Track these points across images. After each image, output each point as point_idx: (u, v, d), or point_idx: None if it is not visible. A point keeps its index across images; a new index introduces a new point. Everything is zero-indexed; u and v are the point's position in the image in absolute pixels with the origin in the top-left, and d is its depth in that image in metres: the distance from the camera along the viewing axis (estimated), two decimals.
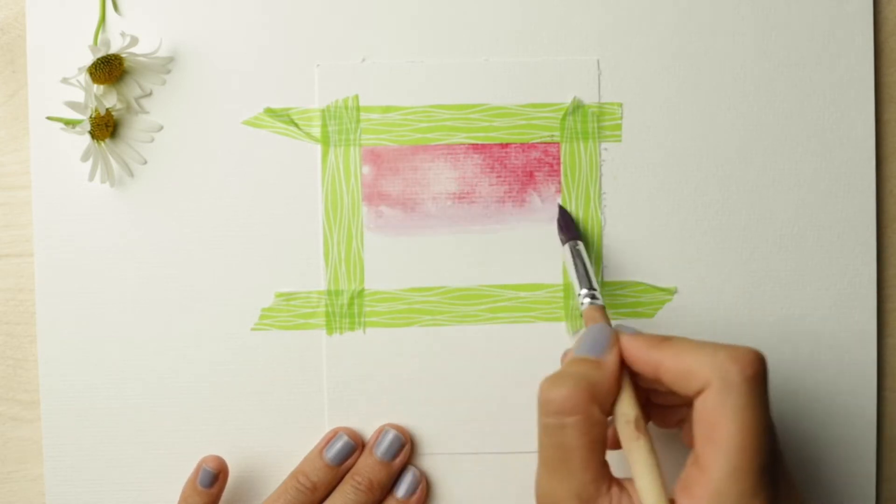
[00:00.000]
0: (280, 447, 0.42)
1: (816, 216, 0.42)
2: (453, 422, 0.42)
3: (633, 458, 0.31)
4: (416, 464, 0.42)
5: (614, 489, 0.31)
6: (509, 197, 0.42)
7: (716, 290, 0.42)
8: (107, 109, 0.41)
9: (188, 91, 0.42)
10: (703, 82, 0.42)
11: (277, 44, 0.42)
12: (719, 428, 0.30)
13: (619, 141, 0.42)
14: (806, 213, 0.42)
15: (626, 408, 0.32)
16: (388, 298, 0.42)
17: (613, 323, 0.36)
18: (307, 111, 0.42)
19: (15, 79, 0.43)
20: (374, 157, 0.42)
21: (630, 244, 0.42)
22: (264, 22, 0.42)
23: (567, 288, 0.42)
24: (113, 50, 0.39)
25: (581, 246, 0.40)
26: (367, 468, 0.41)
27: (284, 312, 0.42)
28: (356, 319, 0.42)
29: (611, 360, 0.33)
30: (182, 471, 0.42)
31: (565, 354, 0.37)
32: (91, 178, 0.40)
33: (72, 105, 0.39)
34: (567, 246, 0.40)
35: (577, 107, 0.42)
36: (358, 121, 0.42)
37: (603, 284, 0.42)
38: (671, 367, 0.31)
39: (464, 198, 0.42)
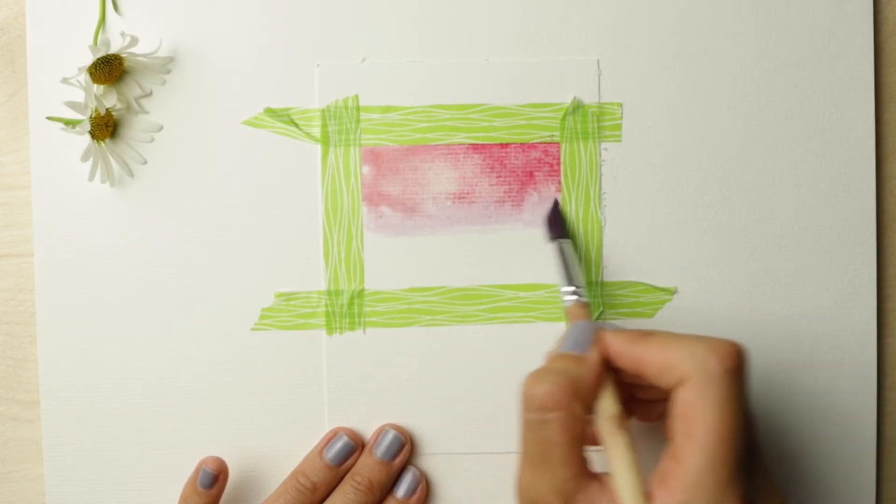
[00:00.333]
0: (280, 447, 0.42)
1: (816, 216, 0.42)
2: (453, 422, 0.42)
3: (613, 453, 0.31)
4: (416, 464, 0.42)
5: (594, 484, 0.31)
6: (509, 197, 0.42)
7: (716, 290, 0.42)
8: (107, 109, 0.41)
9: (188, 91, 0.42)
10: (703, 82, 0.42)
11: (277, 44, 0.42)
12: (697, 420, 0.30)
13: (619, 141, 0.42)
14: (806, 213, 0.42)
15: (607, 404, 0.33)
16: (388, 298, 0.42)
17: (601, 322, 0.36)
18: (307, 111, 0.42)
19: (15, 79, 0.43)
20: (374, 157, 0.42)
21: (630, 244, 0.42)
22: (264, 22, 0.42)
23: None
24: (113, 50, 0.39)
25: (567, 244, 0.40)
26: (367, 468, 0.41)
27: (284, 312, 0.42)
28: (356, 319, 0.42)
29: (593, 357, 0.33)
30: (182, 471, 0.42)
31: (550, 353, 0.37)
32: (91, 178, 0.40)
33: (72, 105, 0.39)
34: (554, 244, 0.40)
35: (577, 107, 0.42)
36: (358, 121, 0.42)
37: (603, 284, 0.42)
38: (652, 361, 0.32)
39: (464, 198, 0.42)
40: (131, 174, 0.42)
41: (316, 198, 0.42)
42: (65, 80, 0.39)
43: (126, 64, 0.41)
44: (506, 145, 0.42)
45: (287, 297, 0.42)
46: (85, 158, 0.40)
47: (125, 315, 0.42)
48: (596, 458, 0.33)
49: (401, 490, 0.41)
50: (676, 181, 0.42)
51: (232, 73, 0.42)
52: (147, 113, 0.42)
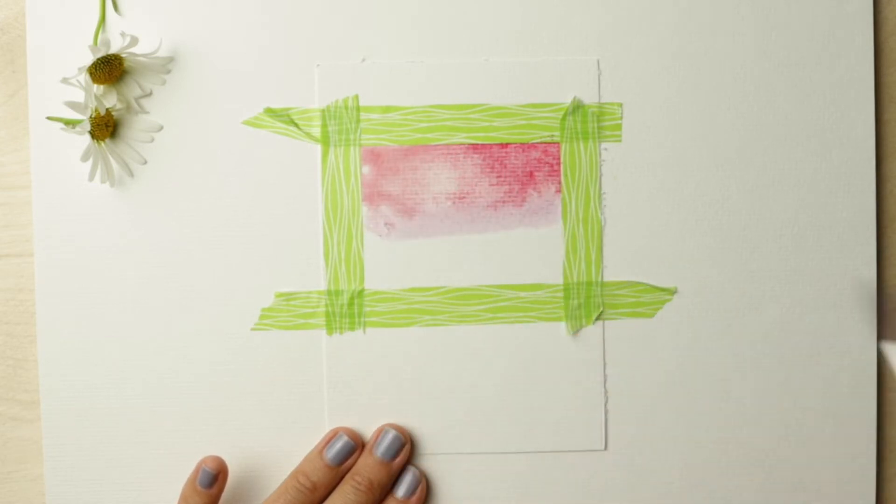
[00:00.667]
0: (280, 447, 0.42)
1: (816, 216, 0.42)
2: (453, 422, 0.42)
3: None
4: (416, 464, 0.42)
5: None
6: (509, 197, 0.42)
7: (716, 290, 0.42)
8: (107, 109, 0.41)
9: (188, 91, 0.42)
10: (703, 82, 0.42)
11: (277, 44, 0.42)
12: None
13: (619, 141, 0.42)
14: (806, 213, 0.42)
15: None
16: (388, 298, 0.42)
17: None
18: (307, 111, 0.42)
19: (15, 79, 0.43)
20: (374, 157, 0.42)
21: (630, 244, 0.42)
22: (264, 22, 0.42)
23: (567, 288, 0.42)
24: (113, 50, 0.39)
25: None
26: (367, 468, 0.41)
27: (284, 312, 0.42)
28: (356, 319, 0.42)
29: None
30: (182, 471, 0.42)
31: None
32: (91, 178, 0.40)
33: (72, 105, 0.39)
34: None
35: (577, 107, 0.42)
36: (358, 121, 0.42)
37: (603, 285, 0.42)
38: None
39: (464, 198, 0.42)
40: (131, 174, 0.42)
41: (316, 198, 0.42)
42: (65, 80, 0.39)
43: (126, 64, 0.41)
44: (506, 145, 0.42)
45: (287, 297, 0.42)
46: (85, 158, 0.40)
47: (125, 315, 0.42)
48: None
49: (401, 490, 0.41)
50: (676, 181, 0.42)
51: (232, 73, 0.42)
52: (147, 113, 0.42)
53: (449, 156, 0.42)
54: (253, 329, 0.42)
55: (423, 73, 0.42)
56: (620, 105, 0.42)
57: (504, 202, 0.42)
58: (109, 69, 0.40)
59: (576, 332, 0.42)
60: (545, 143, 0.42)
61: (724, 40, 0.42)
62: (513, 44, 0.42)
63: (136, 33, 0.41)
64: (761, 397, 0.43)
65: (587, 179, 0.42)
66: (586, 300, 0.42)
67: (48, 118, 0.41)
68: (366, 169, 0.42)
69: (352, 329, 0.42)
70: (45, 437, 0.42)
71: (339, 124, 0.42)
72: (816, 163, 0.42)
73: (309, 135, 0.42)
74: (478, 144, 0.42)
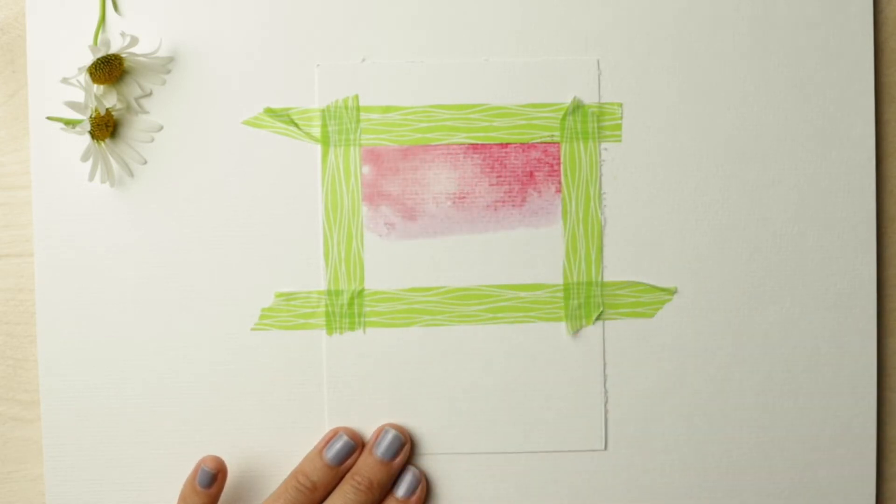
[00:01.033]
0: (280, 447, 0.42)
1: (816, 216, 0.42)
2: (453, 422, 0.42)
3: None
4: (416, 464, 0.42)
5: None
6: (509, 197, 0.42)
7: (716, 290, 0.42)
8: (107, 109, 0.41)
9: (188, 91, 0.42)
10: (703, 82, 0.42)
11: (277, 44, 0.42)
12: None
13: (619, 141, 0.42)
14: (806, 213, 0.42)
15: None
16: (388, 298, 0.42)
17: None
18: (307, 111, 0.42)
19: (15, 79, 0.43)
20: (374, 157, 0.42)
21: (630, 244, 0.42)
22: (264, 22, 0.42)
23: (567, 288, 0.42)
24: (113, 50, 0.39)
25: None
26: (367, 468, 0.41)
27: (284, 312, 0.42)
28: (356, 319, 0.42)
29: None
30: (182, 471, 0.42)
31: None
32: (91, 178, 0.40)
33: (72, 105, 0.39)
34: None
35: (577, 107, 0.42)
36: (358, 121, 0.42)
37: (603, 285, 0.42)
38: None
39: (464, 198, 0.42)
40: (131, 174, 0.42)
41: (316, 198, 0.42)
42: (65, 80, 0.39)
43: (126, 64, 0.41)
44: (506, 145, 0.42)
45: (287, 297, 0.42)
46: (85, 158, 0.40)
47: (125, 315, 0.42)
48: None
49: (401, 490, 0.41)
50: (676, 181, 0.42)
51: (232, 73, 0.42)
52: (147, 113, 0.42)
53: (449, 156, 0.42)
54: (253, 329, 0.42)
55: (423, 73, 0.42)
56: (620, 105, 0.42)
57: (504, 202, 0.42)
58: (109, 69, 0.40)
59: (576, 332, 0.42)
60: (545, 143, 0.42)
61: (724, 40, 0.42)
62: (513, 44, 0.42)
63: (136, 33, 0.41)
64: (761, 397, 0.43)
65: (587, 179, 0.42)
66: (586, 300, 0.42)
67: (48, 118, 0.41)
68: (366, 169, 0.42)
69: (352, 329, 0.42)
70: (45, 437, 0.42)
71: (339, 124, 0.42)
72: (816, 163, 0.42)
73: (309, 135, 0.42)
74: (478, 144, 0.42)
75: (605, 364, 0.42)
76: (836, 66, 0.42)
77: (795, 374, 0.43)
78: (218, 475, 0.40)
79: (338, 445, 0.41)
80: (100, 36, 0.41)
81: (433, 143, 0.42)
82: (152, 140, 0.42)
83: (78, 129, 0.39)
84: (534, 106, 0.42)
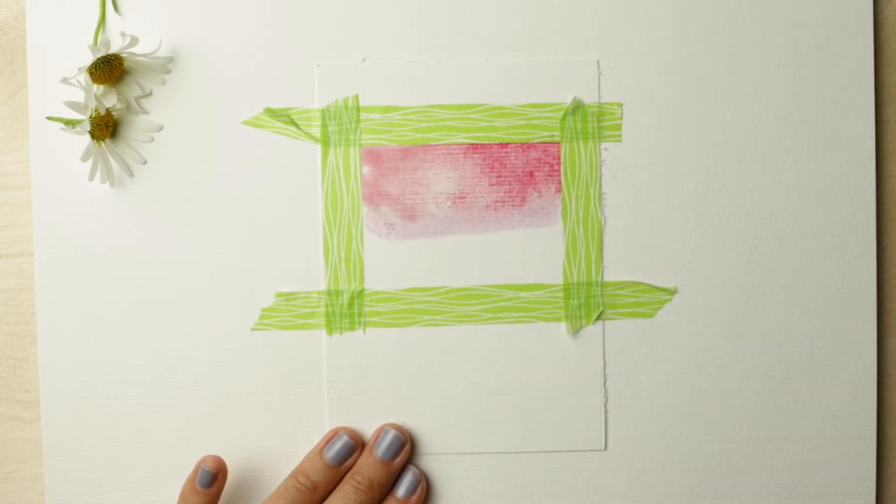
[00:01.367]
0: (280, 447, 0.42)
1: (816, 216, 0.42)
2: (453, 422, 0.42)
3: None
4: (416, 464, 0.42)
5: None
6: (509, 197, 0.42)
7: (716, 290, 0.42)
8: (107, 109, 0.41)
9: (188, 91, 0.42)
10: (703, 82, 0.42)
11: (277, 44, 0.42)
12: None
13: (619, 141, 0.42)
14: (806, 213, 0.42)
15: None
16: (388, 298, 0.42)
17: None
18: (307, 111, 0.42)
19: (15, 79, 0.43)
20: (374, 157, 0.42)
21: (630, 244, 0.42)
22: (264, 22, 0.42)
23: (567, 288, 0.42)
24: (113, 50, 0.39)
25: None
26: (368, 468, 0.41)
27: (284, 312, 0.42)
28: (356, 319, 0.42)
29: None
30: (182, 471, 0.42)
31: None
32: (91, 178, 0.40)
33: (72, 105, 0.39)
34: None
35: (577, 107, 0.42)
36: (358, 121, 0.42)
37: (603, 285, 0.42)
38: None
39: (464, 198, 0.42)
40: (131, 174, 0.42)
41: (316, 198, 0.42)
42: (65, 80, 0.39)
43: (126, 64, 0.41)
44: (506, 145, 0.42)
45: (287, 297, 0.42)
46: (85, 158, 0.40)
47: (125, 315, 0.42)
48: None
49: (401, 490, 0.41)
50: (676, 181, 0.42)
51: (232, 73, 0.42)
52: (147, 113, 0.42)
53: (449, 156, 0.42)
54: (253, 329, 0.42)
55: (423, 73, 0.42)
56: (620, 105, 0.42)
57: (504, 202, 0.42)
58: (109, 69, 0.40)
59: (576, 332, 0.42)
60: (545, 143, 0.42)
61: (724, 40, 0.42)
62: (513, 44, 0.42)
63: (136, 33, 0.41)
64: (761, 397, 0.43)
65: (587, 179, 0.42)
66: (586, 300, 0.42)
67: (48, 118, 0.41)
68: (366, 169, 0.42)
69: (352, 329, 0.42)
70: (45, 437, 0.42)
71: (339, 124, 0.42)
72: (816, 163, 0.42)
73: (309, 135, 0.42)
74: (478, 144, 0.42)
75: (605, 364, 0.42)
76: (836, 66, 0.42)
77: (795, 374, 0.43)
78: (218, 475, 0.40)
79: (338, 445, 0.41)
80: (100, 36, 0.41)
81: (433, 143, 0.42)
82: (152, 140, 0.42)
83: (78, 129, 0.39)
84: (534, 106, 0.42)
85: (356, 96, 0.42)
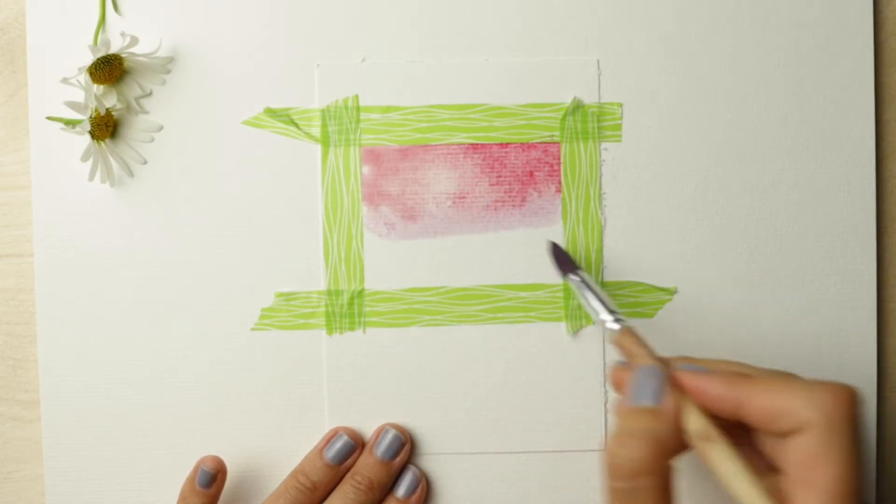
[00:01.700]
0: (280, 447, 0.42)
1: (816, 216, 0.42)
2: (453, 422, 0.42)
3: (717, 468, 0.30)
4: (416, 464, 0.42)
5: None
6: (509, 197, 0.42)
7: (716, 290, 0.42)
8: (107, 109, 0.41)
9: (188, 91, 0.42)
10: (703, 82, 0.42)
11: (277, 44, 0.42)
12: (821, 469, 0.29)
13: (619, 141, 0.42)
14: (806, 213, 0.42)
15: (693, 423, 0.31)
16: (388, 298, 0.42)
17: (672, 362, 0.34)
18: (307, 111, 0.42)
19: (15, 79, 0.43)
20: (374, 157, 0.42)
21: (630, 244, 0.42)
22: (264, 22, 0.42)
23: (567, 288, 0.42)
24: (113, 50, 0.39)
25: (584, 275, 0.40)
26: (368, 468, 0.41)
27: (284, 312, 0.42)
28: (356, 319, 0.42)
29: (671, 409, 0.31)
30: (182, 471, 0.42)
31: (620, 406, 0.33)
32: (91, 178, 0.40)
33: (72, 105, 0.39)
34: (571, 279, 0.40)
35: (577, 107, 0.42)
36: (358, 121, 0.42)
37: (603, 285, 0.42)
38: (762, 406, 0.30)
39: (464, 197, 0.42)
40: (131, 174, 0.42)
41: (316, 198, 0.42)
42: (65, 80, 0.39)
43: (126, 64, 0.41)
44: (506, 145, 0.42)
45: (287, 297, 0.42)
46: (85, 158, 0.40)
47: (125, 315, 0.42)
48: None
49: (401, 490, 0.41)
50: (676, 181, 0.42)
51: (232, 73, 0.42)
52: (147, 113, 0.42)
53: (449, 156, 0.42)
54: (253, 329, 0.42)
55: (423, 73, 0.42)
56: (620, 105, 0.42)
57: (504, 202, 0.42)
58: (109, 69, 0.40)
59: (576, 332, 0.42)
60: (545, 143, 0.42)
61: (724, 40, 0.42)
62: (513, 44, 0.42)
63: (136, 33, 0.41)
64: None
65: (587, 179, 0.42)
66: None
67: (48, 118, 0.41)
68: (366, 169, 0.42)
69: (352, 329, 0.42)
70: (45, 437, 0.42)
71: (339, 124, 0.42)
72: (816, 163, 0.42)
73: (309, 135, 0.42)
74: (478, 144, 0.42)
75: (605, 364, 0.42)
76: (836, 66, 0.42)
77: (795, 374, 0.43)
78: (218, 475, 0.40)
79: (338, 445, 0.41)
80: (100, 36, 0.41)
81: (433, 143, 0.42)
82: (152, 140, 0.42)
83: (78, 129, 0.39)
84: (534, 106, 0.42)
85: (356, 96, 0.42)
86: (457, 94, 0.42)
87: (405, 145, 0.42)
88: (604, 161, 0.42)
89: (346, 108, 0.42)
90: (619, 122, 0.42)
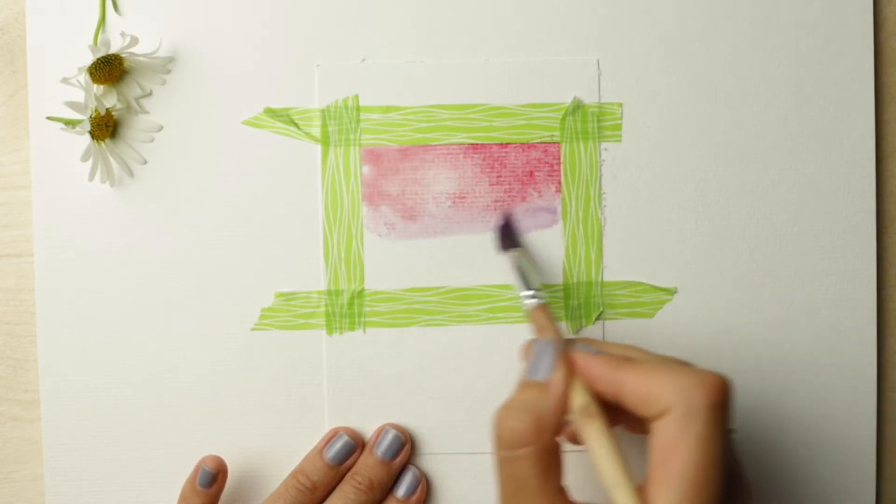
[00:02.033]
0: (280, 447, 0.42)
1: (816, 216, 0.42)
2: (453, 422, 0.42)
3: (590, 444, 0.31)
4: (416, 464, 0.42)
5: None
6: (509, 197, 0.42)
7: (716, 290, 0.42)
8: (107, 109, 0.41)
9: (188, 91, 0.42)
10: (703, 82, 0.42)
11: (277, 44, 0.42)
12: (675, 454, 0.29)
13: (619, 141, 0.42)
14: (806, 213, 0.42)
15: (577, 397, 0.32)
16: (388, 298, 0.42)
17: (576, 341, 0.35)
18: (307, 111, 0.42)
19: (15, 79, 0.43)
20: (374, 157, 0.42)
21: (630, 244, 0.42)
22: (264, 22, 0.42)
23: (567, 288, 0.42)
24: (113, 50, 0.39)
25: (521, 252, 0.40)
26: (368, 468, 0.41)
27: (284, 312, 0.42)
28: (356, 319, 0.42)
29: (556, 383, 0.32)
30: (182, 471, 0.42)
31: (524, 345, 0.36)
32: (91, 178, 0.40)
33: (72, 105, 0.39)
34: (509, 255, 0.40)
35: (577, 107, 0.42)
36: (358, 121, 0.42)
37: (603, 284, 0.42)
38: (634, 390, 0.31)
39: (464, 197, 0.42)
40: (131, 174, 0.42)
41: (316, 198, 0.42)
42: (65, 80, 0.39)
43: (126, 64, 0.41)
44: (506, 145, 0.42)
45: (287, 297, 0.42)
46: (85, 158, 0.40)
47: (125, 315, 0.42)
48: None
49: (401, 490, 0.41)
50: (676, 181, 0.42)
51: (232, 73, 0.42)
52: (147, 113, 0.42)
53: (449, 156, 0.42)
54: (253, 329, 0.42)
55: (423, 73, 0.42)
56: (620, 105, 0.42)
57: (504, 202, 0.42)
58: (109, 69, 0.40)
59: (576, 332, 0.42)
60: (545, 143, 0.42)
61: (724, 40, 0.42)
62: (513, 44, 0.42)
63: (136, 33, 0.41)
64: (761, 397, 0.43)
65: (587, 179, 0.42)
66: (586, 300, 0.42)
67: (48, 118, 0.41)
68: (366, 169, 0.42)
69: (352, 329, 0.42)
70: (45, 437, 0.42)
71: (339, 124, 0.42)
72: (816, 163, 0.42)
73: (309, 135, 0.42)
74: (478, 144, 0.42)
75: None
76: (836, 66, 0.42)
77: (796, 374, 0.43)
78: (218, 475, 0.40)
79: (338, 445, 0.41)
80: (100, 36, 0.41)
81: (433, 143, 0.42)
82: (152, 140, 0.42)
83: (78, 129, 0.39)
84: (534, 106, 0.42)
85: (356, 96, 0.42)
86: (457, 94, 0.42)
87: (405, 145, 0.42)
88: (604, 161, 0.42)
89: (346, 108, 0.42)
90: (619, 122, 0.42)
